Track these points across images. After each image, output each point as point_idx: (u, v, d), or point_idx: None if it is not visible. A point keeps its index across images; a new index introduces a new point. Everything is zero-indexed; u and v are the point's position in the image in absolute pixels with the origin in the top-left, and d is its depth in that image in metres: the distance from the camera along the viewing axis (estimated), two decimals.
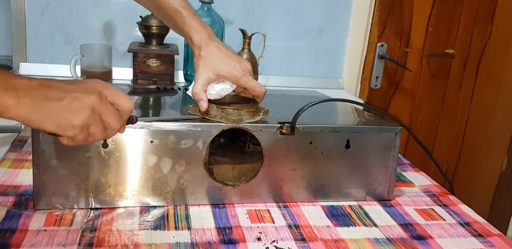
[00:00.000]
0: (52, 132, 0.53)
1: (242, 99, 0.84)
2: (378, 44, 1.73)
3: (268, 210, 0.77)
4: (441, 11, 1.74)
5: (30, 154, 0.71)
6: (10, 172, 0.82)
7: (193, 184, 0.75)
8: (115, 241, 0.64)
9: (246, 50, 1.50)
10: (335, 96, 1.13)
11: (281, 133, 0.76)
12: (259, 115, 0.80)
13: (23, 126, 1.34)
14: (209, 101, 0.77)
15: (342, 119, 0.93)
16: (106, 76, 1.41)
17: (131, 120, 0.62)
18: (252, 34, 1.49)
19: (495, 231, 0.77)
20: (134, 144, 0.71)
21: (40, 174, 0.69)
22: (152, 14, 1.39)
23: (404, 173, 0.99)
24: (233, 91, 0.81)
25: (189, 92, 0.80)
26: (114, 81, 1.45)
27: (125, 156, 0.71)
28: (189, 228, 0.69)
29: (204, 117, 0.77)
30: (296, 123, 0.76)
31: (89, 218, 0.70)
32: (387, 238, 0.72)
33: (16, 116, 0.53)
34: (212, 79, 0.79)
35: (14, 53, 1.54)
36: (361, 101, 1.68)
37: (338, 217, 0.77)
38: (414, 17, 1.73)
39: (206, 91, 0.78)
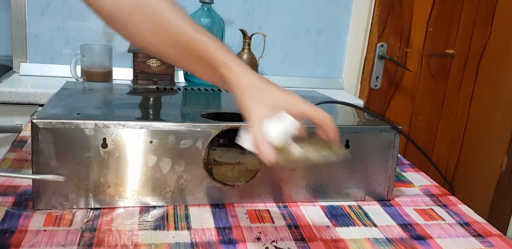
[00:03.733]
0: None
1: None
2: (378, 44, 1.74)
3: (268, 210, 0.77)
4: (441, 11, 1.74)
5: (30, 154, 0.71)
6: (10, 172, 0.82)
7: (193, 184, 0.75)
8: (114, 241, 0.64)
9: (246, 50, 1.50)
10: (335, 96, 1.13)
11: None
12: (333, 150, 0.60)
13: (23, 126, 1.34)
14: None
15: (342, 119, 0.93)
16: (106, 76, 1.41)
17: None
18: (252, 34, 1.49)
19: (494, 231, 0.77)
20: (134, 144, 0.71)
21: (40, 174, 0.69)
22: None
23: (403, 173, 0.99)
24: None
25: (243, 142, 0.60)
26: (114, 81, 1.45)
27: (124, 156, 0.71)
28: (188, 228, 0.69)
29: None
30: None
31: (88, 218, 0.70)
32: (387, 238, 0.72)
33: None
34: (268, 114, 0.59)
35: (14, 53, 1.55)
36: (361, 102, 1.68)
37: (337, 217, 0.77)
38: (414, 17, 1.73)
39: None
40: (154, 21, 0.65)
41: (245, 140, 0.59)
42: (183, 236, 0.67)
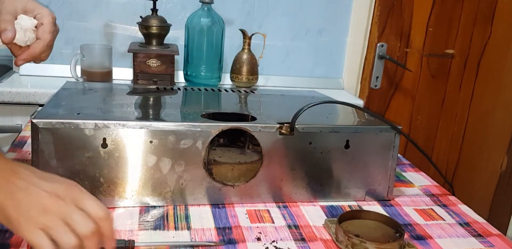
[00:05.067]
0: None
1: (387, 229, 0.72)
2: (378, 44, 1.73)
3: (268, 210, 0.77)
4: (441, 11, 1.74)
5: (30, 154, 0.71)
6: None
7: (193, 184, 0.75)
8: None
9: (246, 50, 1.50)
10: (335, 96, 1.13)
11: (281, 134, 0.76)
12: None
13: (23, 126, 1.34)
14: (338, 225, 0.69)
15: (342, 119, 0.93)
16: (106, 76, 1.41)
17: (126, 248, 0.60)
18: (252, 34, 1.49)
19: (494, 231, 0.77)
20: (134, 144, 0.71)
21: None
22: (151, 14, 1.40)
23: (403, 173, 0.99)
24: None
25: None
26: (114, 81, 1.45)
27: (124, 156, 0.71)
28: (188, 228, 0.69)
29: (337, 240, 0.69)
30: (296, 123, 0.76)
31: None
32: None
33: None
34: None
35: None
36: (361, 102, 1.68)
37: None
38: (414, 17, 1.73)
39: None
40: None
41: None
42: (183, 236, 0.67)
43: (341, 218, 0.71)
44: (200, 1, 1.44)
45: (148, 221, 0.70)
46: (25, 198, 0.48)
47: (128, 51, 1.37)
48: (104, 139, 0.70)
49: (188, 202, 0.76)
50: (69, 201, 0.50)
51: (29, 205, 0.48)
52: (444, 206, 0.85)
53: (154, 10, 1.39)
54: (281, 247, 0.66)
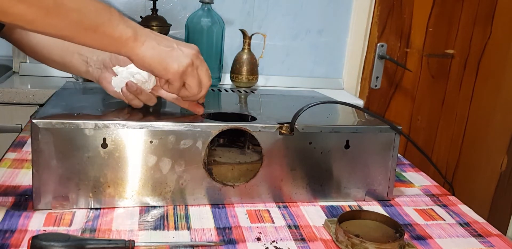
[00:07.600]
0: (157, 74, 0.69)
1: (387, 229, 0.71)
2: (378, 44, 1.74)
3: (268, 210, 0.77)
4: (441, 11, 1.74)
5: (30, 154, 0.71)
6: (10, 172, 0.82)
7: (193, 184, 0.75)
8: None
9: (246, 50, 1.50)
10: (335, 96, 1.13)
11: (281, 134, 0.76)
12: None
13: (23, 126, 1.34)
14: (338, 225, 0.68)
15: (342, 119, 0.93)
16: None
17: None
18: (252, 34, 1.49)
19: (494, 231, 0.77)
20: (134, 144, 0.71)
21: (40, 174, 0.69)
22: (151, 14, 1.40)
23: (403, 174, 0.99)
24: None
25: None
26: None
27: (124, 156, 0.71)
28: (188, 228, 0.69)
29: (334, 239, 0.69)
30: (296, 123, 0.76)
31: (88, 218, 0.70)
32: None
33: (130, 52, 0.65)
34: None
35: (14, 53, 1.55)
36: (361, 102, 1.68)
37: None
38: (414, 17, 1.73)
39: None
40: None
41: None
42: (183, 236, 0.67)
43: (341, 218, 0.71)
44: (200, 1, 1.44)
45: (148, 221, 0.70)
46: (173, 57, 0.68)
47: None
48: (104, 139, 0.70)
49: (188, 202, 0.76)
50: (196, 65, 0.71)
51: (177, 62, 0.68)
52: (444, 206, 0.85)
53: (154, 10, 1.39)
54: (281, 247, 0.66)
